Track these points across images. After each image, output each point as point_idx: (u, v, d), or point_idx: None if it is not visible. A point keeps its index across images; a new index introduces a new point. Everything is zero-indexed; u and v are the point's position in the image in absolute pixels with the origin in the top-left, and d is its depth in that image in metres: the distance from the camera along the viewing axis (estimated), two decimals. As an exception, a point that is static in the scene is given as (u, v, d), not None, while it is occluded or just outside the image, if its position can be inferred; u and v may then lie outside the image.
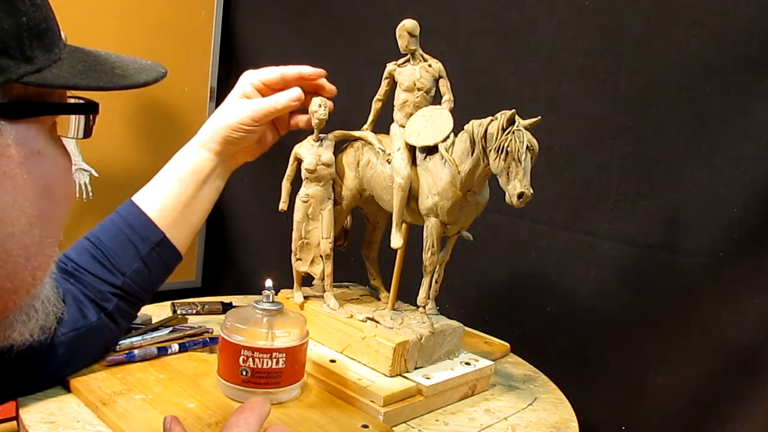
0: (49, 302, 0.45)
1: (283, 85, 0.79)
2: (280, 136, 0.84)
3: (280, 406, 0.69)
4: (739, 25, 0.88)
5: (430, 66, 0.78)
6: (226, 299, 0.99)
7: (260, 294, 0.72)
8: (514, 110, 0.66)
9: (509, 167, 0.66)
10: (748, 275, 0.89)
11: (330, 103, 0.80)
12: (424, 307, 0.81)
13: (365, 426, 0.67)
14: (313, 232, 0.83)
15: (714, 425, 0.93)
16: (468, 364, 0.80)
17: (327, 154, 0.81)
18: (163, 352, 0.78)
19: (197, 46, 1.74)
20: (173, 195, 0.76)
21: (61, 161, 0.41)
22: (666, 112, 0.96)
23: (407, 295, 0.85)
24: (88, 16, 1.55)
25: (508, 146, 0.66)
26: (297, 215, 0.83)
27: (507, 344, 0.97)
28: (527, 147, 0.66)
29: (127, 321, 0.76)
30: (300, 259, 0.84)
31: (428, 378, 0.75)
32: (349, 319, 0.80)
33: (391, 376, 0.74)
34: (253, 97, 0.79)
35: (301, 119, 0.82)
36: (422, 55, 0.78)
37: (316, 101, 0.79)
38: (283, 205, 0.84)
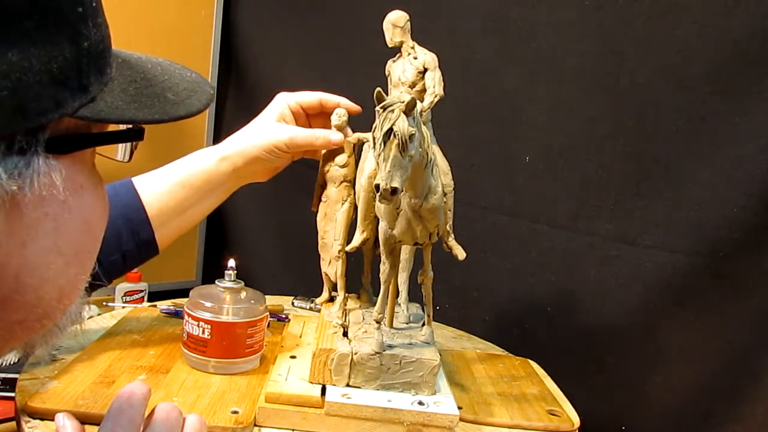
0: (72, 316, 0.42)
1: (320, 110, 0.81)
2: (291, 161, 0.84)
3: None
4: (739, 25, 0.88)
5: (415, 59, 0.75)
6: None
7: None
8: (412, 97, 0.59)
9: (379, 155, 0.58)
10: (748, 275, 0.89)
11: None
12: (379, 323, 0.71)
13: (235, 411, 0.66)
14: (330, 233, 0.83)
15: (714, 425, 0.92)
16: (421, 404, 0.67)
17: (342, 156, 0.81)
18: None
19: (197, 46, 1.74)
20: (178, 199, 0.76)
21: (100, 191, 0.39)
22: (666, 112, 0.96)
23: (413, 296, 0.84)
24: (88, 16, 1.55)
25: (374, 131, 0.58)
26: (318, 214, 0.83)
27: (576, 421, 0.76)
28: (389, 131, 0.57)
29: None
30: (323, 259, 0.84)
31: (346, 397, 0.67)
32: (327, 324, 0.77)
33: (311, 383, 0.69)
34: (289, 120, 0.80)
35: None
36: (410, 48, 0.76)
37: (337, 112, 0.80)
38: (313, 207, 0.84)
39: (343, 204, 0.81)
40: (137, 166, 0.55)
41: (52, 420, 0.47)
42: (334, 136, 0.78)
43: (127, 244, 0.73)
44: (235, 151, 0.77)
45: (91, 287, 0.74)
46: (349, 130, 0.81)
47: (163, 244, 0.77)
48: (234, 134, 0.81)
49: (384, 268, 0.71)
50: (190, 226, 0.79)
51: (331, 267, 0.83)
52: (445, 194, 0.70)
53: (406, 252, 0.83)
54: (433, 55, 0.75)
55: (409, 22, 0.76)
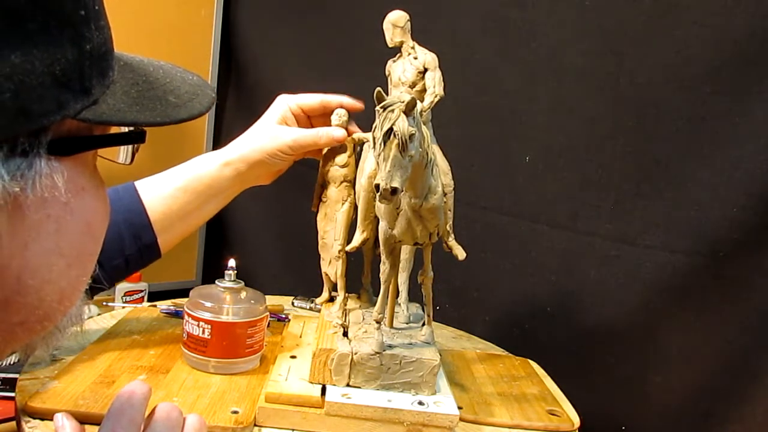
0: (73, 317, 0.42)
1: (322, 112, 0.80)
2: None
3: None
4: (739, 25, 0.88)
5: (415, 59, 0.75)
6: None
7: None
8: (412, 97, 0.59)
9: (379, 155, 0.58)
10: (748, 275, 0.89)
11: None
12: (379, 323, 0.71)
13: (235, 411, 0.66)
14: (330, 233, 0.83)
15: (714, 425, 0.93)
16: (421, 404, 0.67)
17: (342, 156, 0.81)
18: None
19: (197, 46, 1.74)
20: (181, 204, 0.76)
21: (102, 193, 0.39)
22: (666, 112, 0.96)
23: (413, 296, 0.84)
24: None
25: (374, 131, 0.58)
26: (319, 215, 0.83)
27: (576, 421, 0.76)
28: (389, 131, 0.57)
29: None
30: (323, 259, 0.84)
31: (346, 397, 0.66)
32: (327, 324, 0.77)
33: (311, 383, 0.69)
34: (291, 123, 0.80)
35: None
36: (411, 48, 0.76)
37: (337, 112, 0.79)
38: (313, 207, 0.84)
39: (343, 204, 0.81)
40: (138, 168, 0.55)
41: (52, 420, 0.47)
42: (336, 132, 0.78)
43: (130, 249, 0.73)
44: (238, 156, 0.77)
45: (93, 290, 0.74)
46: (352, 127, 0.81)
47: (165, 248, 0.77)
48: (236, 139, 0.81)
49: (384, 268, 0.71)
50: (192, 231, 0.79)
51: (331, 267, 0.83)
52: (445, 194, 0.70)
53: (406, 252, 0.83)
54: (433, 55, 0.75)
55: (409, 22, 0.76)
